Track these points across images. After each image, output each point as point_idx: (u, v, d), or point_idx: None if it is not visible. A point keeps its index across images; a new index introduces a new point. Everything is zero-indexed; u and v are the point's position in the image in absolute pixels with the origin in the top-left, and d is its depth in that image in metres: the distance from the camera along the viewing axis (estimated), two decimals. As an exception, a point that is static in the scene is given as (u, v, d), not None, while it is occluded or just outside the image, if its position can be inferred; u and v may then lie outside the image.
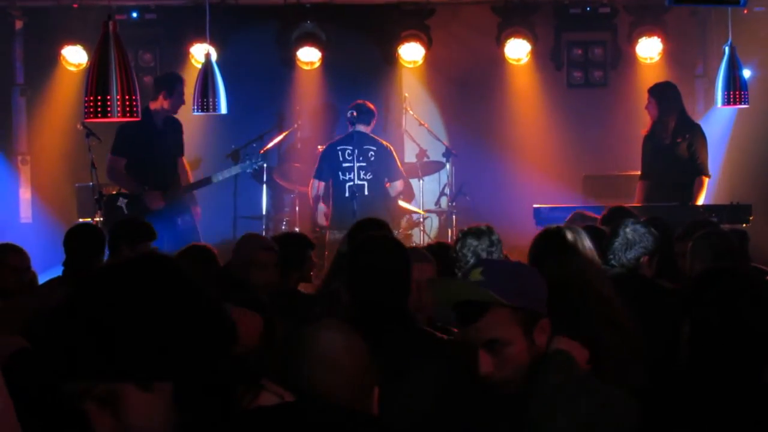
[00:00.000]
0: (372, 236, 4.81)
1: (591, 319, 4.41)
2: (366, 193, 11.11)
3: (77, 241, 7.00)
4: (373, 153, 11.15)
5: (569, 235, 4.95)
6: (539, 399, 3.02)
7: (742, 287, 3.54)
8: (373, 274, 4.34)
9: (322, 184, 11.29)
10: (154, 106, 10.35)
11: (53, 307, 1.91)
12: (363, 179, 11.14)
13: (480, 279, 3.06)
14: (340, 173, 11.16)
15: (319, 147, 11.85)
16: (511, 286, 3.06)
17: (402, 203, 11.83)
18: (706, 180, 10.54)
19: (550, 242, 4.99)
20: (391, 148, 11.41)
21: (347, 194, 11.00)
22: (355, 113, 11.25)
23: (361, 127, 11.20)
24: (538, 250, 5.03)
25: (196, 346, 1.96)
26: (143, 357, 1.91)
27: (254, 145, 12.34)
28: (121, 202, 10.22)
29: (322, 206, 11.26)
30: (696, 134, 10.67)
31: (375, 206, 10.81)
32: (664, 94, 10.74)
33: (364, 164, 11.14)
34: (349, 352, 3.18)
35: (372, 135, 11.29)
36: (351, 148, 11.15)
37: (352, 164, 11.10)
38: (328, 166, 11.22)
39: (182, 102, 10.42)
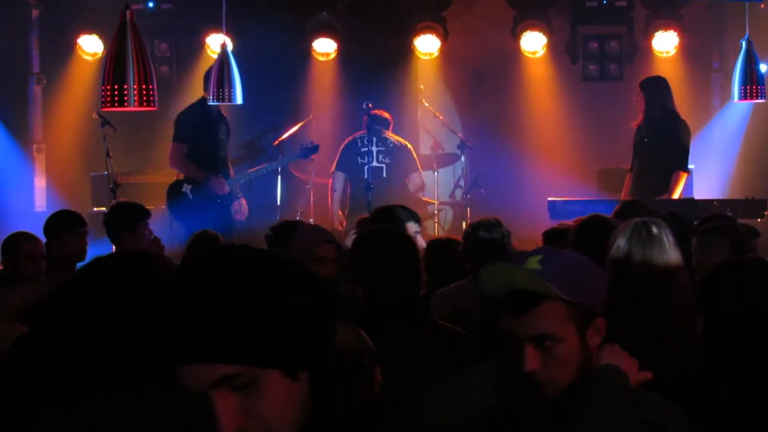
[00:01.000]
0: (375, 228, 4.79)
1: (674, 312, 4.42)
2: (384, 175, 11.11)
3: None
4: (392, 142, 11.19)
5: (654, 229, 4.93)
6: (581, 420, 2.80)
7: (754, 278, 3.54)
8: (376, 266, 4.31)
9: (341, 174, 11.29)
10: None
11: (192, 288, 1.85)
12: (381, 162, 11.16)
13: (538, 268, 2.82)
14: (358, 157, 11.17)
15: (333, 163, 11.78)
16: (570, 279, 2.81)
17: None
18: (684, 175, 10.37)
19: (638, 235, 4.96)
20: (410, 145, 11.43)
21: (365, 176, 10.99)
22: (367, 117, 11.29)
23: (378, 128, 11.23)
24: (624, 242, 5.00)
25: (329, 334, 1.94)
26: (299, 343, 1.87)
27: (269, 136, 12.37)
28: (186, 188, 10.28)
29: (339, 214, 11.24)
30: (678, 129, 10.51)
31: (392, 190, 10.81)
32: (651, 88, 10.65)
33: (382, 148, 11.17)
34: None
35: (390, 134, 11.31)
36: (369, 136, 11.17)
37: (369, 148, 11.11)
38: (348, 155, 11.25)
39: None
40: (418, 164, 11.43)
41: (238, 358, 1.83)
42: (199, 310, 1.83)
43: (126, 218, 7.53)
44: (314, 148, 11.20)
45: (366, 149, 11.12)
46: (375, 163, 11.10)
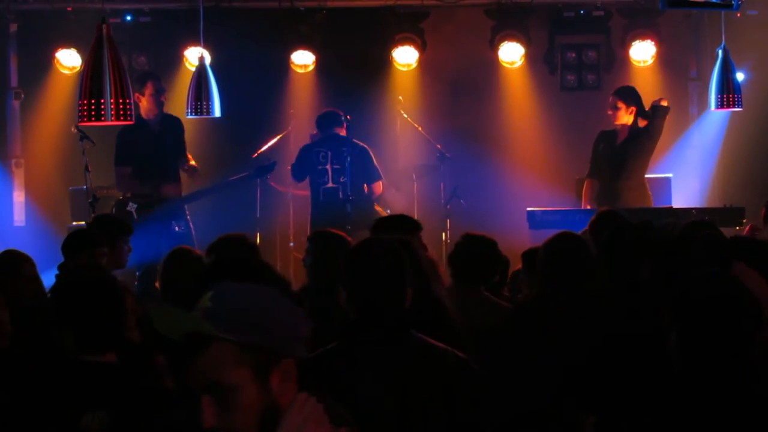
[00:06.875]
0: (369, 239, 4.72)
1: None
2: (339, 196, 11.00)
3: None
4: (348, 155, 10.99)
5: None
6: None
7: (726, 289, 3.52)
8: (371, 277, 4.24)
9: (299, 183, 11.33)
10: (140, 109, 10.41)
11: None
12: (337, 183, 11.06)
13: (207, 306, 2.52)
14: (315, 176, 11.12)
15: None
16: (241, 317, 2.50)
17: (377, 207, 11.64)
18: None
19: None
20: (367, 147, 11.31)
21: (321, 197, 10.97)
22: (319, 120, 11.26)
23: (335, 130, 11.15)
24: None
25: None
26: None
27: (247, 148, 12.34)
28: (131, 207, 10.23)
29: None
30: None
31: (347, 211, 10.69)
32: (636, 97, 10.93)
33: (338, 167, 11.07)
34: None
35: (346, 136, 11.14)
36: (325, 150, 11.10)
37: (325, 167, 11.06)
38: (305, 165, 11.18)
39: (157, 100, 10.40)
40: (377, 167, 11.30)
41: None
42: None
43: (106, 232, 7.47)
44: (270, 167, 10.99)
45: (322, 167, 11.05)
46: (330, 184, 11.04)
